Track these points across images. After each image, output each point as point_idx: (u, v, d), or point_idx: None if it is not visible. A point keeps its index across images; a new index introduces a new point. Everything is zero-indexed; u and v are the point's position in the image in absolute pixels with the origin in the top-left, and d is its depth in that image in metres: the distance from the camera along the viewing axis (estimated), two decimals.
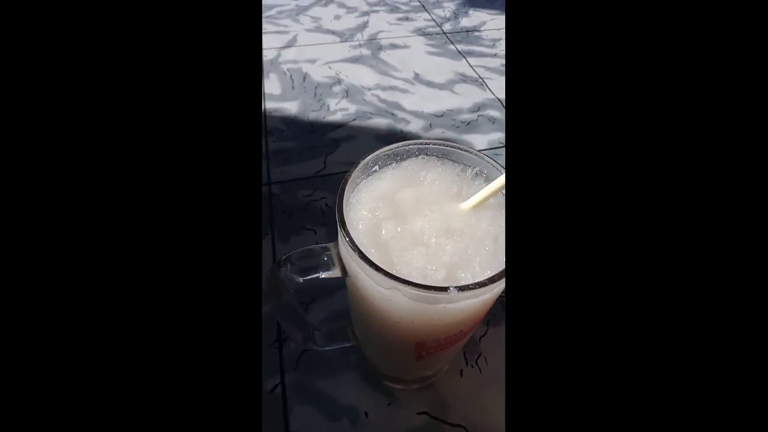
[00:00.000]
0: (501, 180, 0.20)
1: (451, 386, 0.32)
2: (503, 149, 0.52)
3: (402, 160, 0.23)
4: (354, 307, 0.24)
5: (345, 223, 0.19)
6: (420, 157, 0.23)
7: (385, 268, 0.17)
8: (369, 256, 0.17)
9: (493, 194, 0.20)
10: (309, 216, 0.43)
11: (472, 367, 0.33)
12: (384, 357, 0.27)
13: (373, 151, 0.22)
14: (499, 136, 0.54)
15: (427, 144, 0.23)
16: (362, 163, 0.22)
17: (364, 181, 0.23)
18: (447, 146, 0.23)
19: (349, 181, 0.20)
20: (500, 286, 0.19)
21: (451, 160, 0.23)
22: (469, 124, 0.56)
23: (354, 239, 0.18)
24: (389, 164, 0.23)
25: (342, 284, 0.37)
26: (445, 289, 0.16)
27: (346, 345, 0.29)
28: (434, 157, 0.24)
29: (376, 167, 0.23)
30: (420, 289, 0.16)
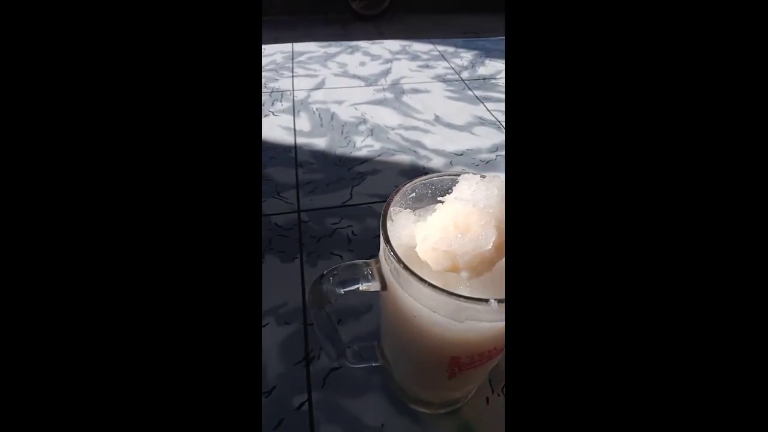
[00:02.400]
0: None
1: (477, 413, 0.32)
2: None
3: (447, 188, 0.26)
4: (387, 324, 0.26)
5: (389, 236, 0.21)
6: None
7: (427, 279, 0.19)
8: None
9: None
10: (336, 242, 0.45)
11: (498, 395, 0.33)
12: (414, 374, 0.28)
13: (413, 179, 0.25)
14: None
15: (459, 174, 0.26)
16: (402, 190, 0.24)
17: (408, 203, 0.25)
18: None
19: (393, 200, 0.23)
20: None
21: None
22: (488, 162, 0.59)
23: (397, 251, 0.20)
24: (430, 193, 0.26)
25: (368, 308, 0.39)
26: (485, 300, 0.18)
27: (374, 364, 0.30)
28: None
29: (414, 194, 0.25)
30: (461, 300, 0.18)
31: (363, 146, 0.60)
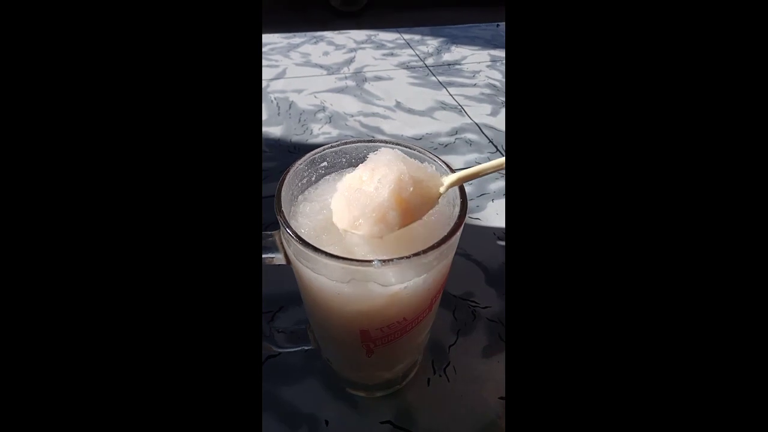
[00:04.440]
0: (493, 163, 0.20)
1: (417, 395, 0.31)
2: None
3: (351, 155, 0.25)
4: (304, 302, 0.25)
5: (281, 206, 0.20)
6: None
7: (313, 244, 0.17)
8: (302, 236, 0.18)
9: (472, 177, 0.21)
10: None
11: (440, 376, 0.32)
12: (338, 354, 0.27)
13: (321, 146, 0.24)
14: (475, 156, 0.56)
15: (372, 142, 0.25)
16: (307, 157, 0.23)
17: (314, 175, 0.24)
18: (396, 144, 0.24)
19: (291, 171, 0.22)
20: (435, 266, 0.20)
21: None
22: (446, 146, 0.58)
23: (288, 220, 0.19)
24: (337, 160, 0.25)
25: None
26: (369, 261, 0.17)
27: (306, 348, 0.29)
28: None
29: (325, 163, 0.24)
30: (344, 262, 0.17)
31: (320, 133, 0.59)
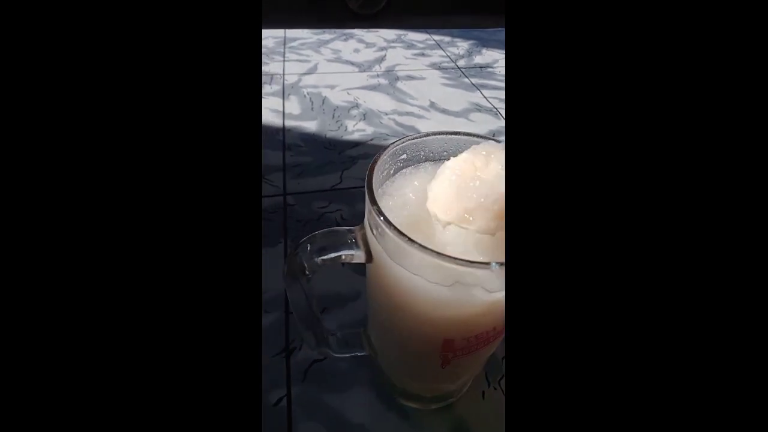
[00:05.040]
0: None
1: (472, 408, 0.29)
2: None
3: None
4: (373, 304, 0.23)
5: (374, 194, 0.18)
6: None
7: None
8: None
9: None
10: (324, 226, 0.42)
11: (495, 388, 0.30)
12: (404, 364, 0.25)
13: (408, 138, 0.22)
14: None
15: (458, 134, 0.23)
16: (390, 149, 0.21)
17: (392, 168, 0.22)
18: (485, 138, 0.22)
19: (378, 162, 0.20)
20: None
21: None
22: None
23: (384, 212, 0.17)
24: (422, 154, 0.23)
25: (356, 294, 0.36)
26: (485, 264, 0.15)
27: (360, 354, 0.27)
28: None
29: (404, 155, 0.22)
30: (456, 263, 0.15)
31: (355, 130, 0.57)
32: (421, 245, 0.16)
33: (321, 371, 0.30)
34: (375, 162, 0.20)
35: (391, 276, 0.18)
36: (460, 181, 0.17)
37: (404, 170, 0.23)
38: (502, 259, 0.15)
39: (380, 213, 0.17)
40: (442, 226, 0.18)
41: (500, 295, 0.17)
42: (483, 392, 0.30)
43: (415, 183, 0.22)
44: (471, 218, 0.17)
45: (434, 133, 0.23)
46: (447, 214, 0.17)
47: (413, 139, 0.22)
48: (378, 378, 0.29)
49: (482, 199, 0.16)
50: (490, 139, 0.22)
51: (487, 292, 0.17)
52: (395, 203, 0.21)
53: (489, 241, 0.19)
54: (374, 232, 0.18)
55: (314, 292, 0.22)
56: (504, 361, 0.32)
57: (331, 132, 0.57)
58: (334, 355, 0.26)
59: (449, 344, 0.20)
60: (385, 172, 0.22)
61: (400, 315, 0.20)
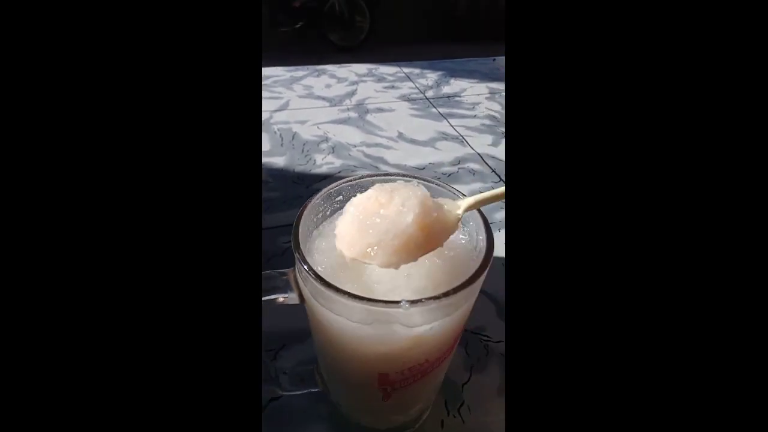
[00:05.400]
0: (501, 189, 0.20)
1: None
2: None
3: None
4: (315, 342, 0.23)
5: (299, 243, 0.19)
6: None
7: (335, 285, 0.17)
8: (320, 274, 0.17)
9: (490, 200, 0.20)
10: (287, 262, 0.43)
11: (454, 416, 0.31)
12: (350, 398, 0.25)
13: (337, 181, 0.23)
14: (479, 185, 0.56)
15: (389, 176, 0.24)
16: (324, 191, 0.22)
17: (329, 209, 0.23)
18: (413, 177, 0.24)
19: (308, 206, 0.21)
20: (462, 306, 0.19)
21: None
22: (450, 175, 0.58)
23: (305, 257, 0.18)
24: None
25: None
26: (396, 302, 0.16)
27: (314, 390, 0.27)
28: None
29: (340, 197, 0.24)
30: (369, 303, 0.16)
31: (323, 163, 0.59)
32: (336, 288, 0.16)
33: (279, 409, 0.30)
34: (305, 207, 0.21)
35: (320, 316, 0.19)
36: (362, 218, 0.18)
37: (341, 210, 0.24)
38: (436, 292, 0.16)
39: (301, 259, 0.18)
40: (349, 262, 0.18)
41: (421, 329, 0.18)
42: (442, 421, 0.30)
43: (345, 210, 0.23)
44: (373, 253, 0.17)
45: (369, 175, 0.24)
46: (351, 250, 0.18)
47: (349, 181, 0.23)
48: (334, 414, 0.29)
49: (383, 235, 0.17)
50: (416, 178, 0.23)
51: (406, 327, 0.17)
52: (328, 245, 0.22)
53: (418, 276, 0.20)
54: (300, 275, 0.19)
55: (264, 329, 0.22)
56: (464, 387, 0.33)
57: (300, 166, 0.58)
58: (284, 393, 0.26)
59: (385, 378, 0.21)
60: (321, 213, 0.23)
61: (335, 353, 0.21)
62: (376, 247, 0.17)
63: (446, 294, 0.16)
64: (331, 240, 0.22)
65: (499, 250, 0.45)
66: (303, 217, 0.20)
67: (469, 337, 0.36)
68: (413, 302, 0.16)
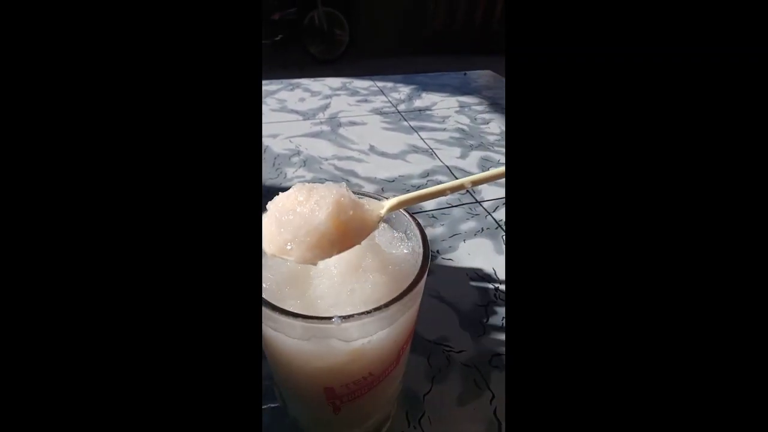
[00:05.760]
0: (435, 188, 0.20)
1: None
2: (450, 208, 0.55)
3: None
4: (267, 358, 0.24)
5: None
6: None
7: (272, 302, 0.17)
8: (264, 291, 0.18)
9: (415, 201, 0.20)
10: None
11: (415, 428, 0.31)
12: (304, 412, 0.26)
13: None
14: (447, 198, 0.58)
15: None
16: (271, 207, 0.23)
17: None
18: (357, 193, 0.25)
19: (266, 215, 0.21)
20: (399, 318, 0.19)
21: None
22: (418, 187, 0.59)
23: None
24: None
25: None
26: (328, 318, 0.17)
27: (273, 405, 0.27)
28: None
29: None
30: (303, 320, 0.17)
31: (294, 177, 0.60)
32: (273, 306, 0.17)
33: None
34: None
35: (265, 332, 0.19)
36: (279, 215, 0.18)
37: None
38: (377, 304, 0.17)
39: None
40: (270, 257, 0.19)
41: (359, 343, 0.18)
42: None
43: (267, 208, 0.24)
44: (290, 249, 0.18)
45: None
46: (270, 246, 0.18)
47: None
48: (293, 429, 0.30)
49: (297, 231, 0.17)
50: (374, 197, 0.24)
51: (343, 342, 0.18)
52: (276, 260, 0.22)
53: (361, 291, 0.21)
54: None
55: None
56: (425, 398, 0.33)
57: (270, 180, 0.59)
58: None
59: (331, 392, 0.21)
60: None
61: (282, 368, 0.21)
62: (292, 244, 0.17)
63: (378, 308, 0.17)
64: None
65: (463, 260, 0.47)
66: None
67: (431, 347, 0.37)
68: (345, 318, 0.17)
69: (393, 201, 0.20)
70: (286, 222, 0.18)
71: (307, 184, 0.20)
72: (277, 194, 0.21)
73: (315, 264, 0.18)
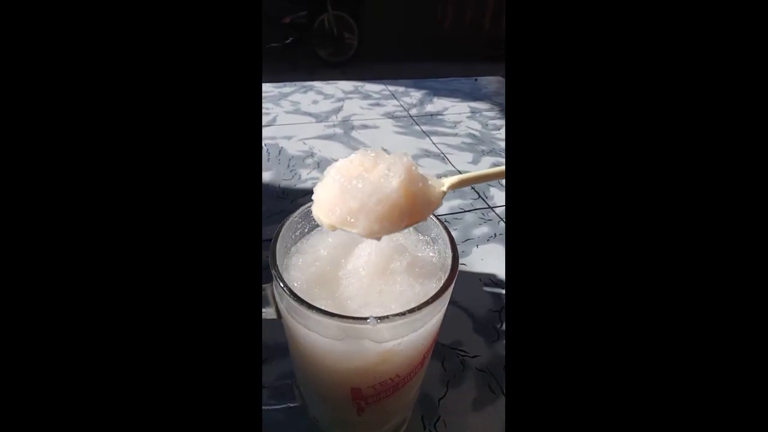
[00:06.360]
0: (494, 170, 0.19)
1: None
2: (462, 213, 0.55)
3: None
4: (292, 357, 0.24)
5: (276, 260, 0.20)
6: None
7: (308, 300, 0.17)
8: (295, 290, 0.18)
9: (479, 180, 0.19)
10: (269, 276, 0.43)
11: (431, 431, 0.31)
12: (326, 412, 0.26)
13: None
14: (459, 202, 0.58)
15: None
16: (302, 209, 0.23)
17: (306, 226, 0.24)
18: None
19: (287, 224, 0.22)
20: (429, 321, 0.20)
21: None
22: None
23: (282, 273, 0.19)
24: None
25: None
26: (364, 319, 0.17)
27: (292, 405, 0.28)
28: None
29: None
30: (338, 320, 0.17)
31: (308, 178, 0.60)
32: (309, 305, 0.17)
33: None
34: (282, 225, 0.22)
35: (296, 331, 0.20)
36: (344, 181, 0.16)
37: (320, 227, 0.25)
38: (405, 308, 0.17)
39: (278, 276, 0.19)
40: (327, 229, 0.17)
41: (390, 345, 0.19)
42: None
43: (329, 240, 0.24)
44: (353, 220, 0.16)
45: None
46: (330, 216, 0.17)
47: None
48: (312, 428, 0.30)
49: (366, 199, 0.16)
50: None
51: (375, 343, 0.18)
52: (305, 260, 0.23)
53: (389, 292, 0.21)
54: (276, 291, 0.20)
55: None
56: (440, 402, 0.33)
57: (285, 181, 0.59)
58: (263, 407, 0.26)
59: (357, 393, 0.21)
60: (299, 230, 0.24)
61: (309, 368, 0.21)
62: (358, 214, 0.16)
63: (411, 310, 0.17)
64: (308, 256, 0.23)
65: (476, 265, 0.47)
66: (281, 234, 0.21)
67: (446, 351, 0.37)
68: (380, 318, 0.17)
69: (454, 179, 0.19)
70: (352, 189, 0.16)
71: (369, 150, 0.18)
72: (294, 194, 0.21)
73: (378, 239, 0.16)
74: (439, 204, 0.18)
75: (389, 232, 0.16)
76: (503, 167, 0.19)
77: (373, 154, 0.18)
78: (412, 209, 0.16)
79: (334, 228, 0.17)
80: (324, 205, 0.17)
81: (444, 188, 0.19)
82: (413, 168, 0.17)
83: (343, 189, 0.16)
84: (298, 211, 0.23)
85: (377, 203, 0.16)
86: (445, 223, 0.23)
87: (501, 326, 0.40)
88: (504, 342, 0.38)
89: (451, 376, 0.35)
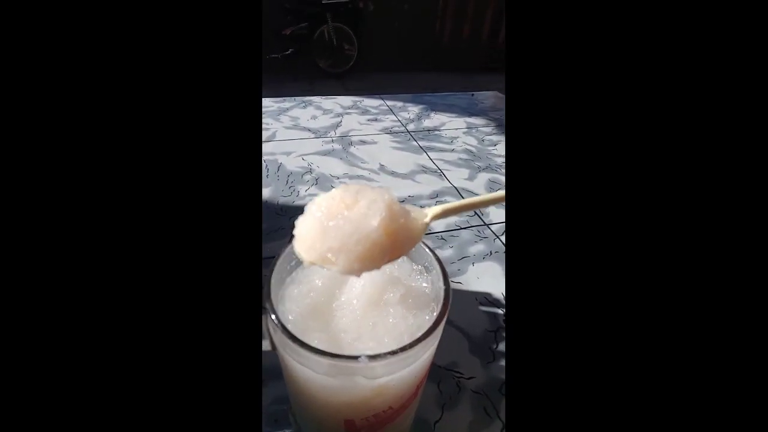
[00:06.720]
0: (474, 199, 0.19)
1: None
2: (459, 231, 0.56)
3: None
4: (287, 386, 0.24)
5: (270, 294, 0.20)
6: None
7: (299, 337, 0.18)
8: (289, 324, 0.18)
9: (459, 210, 0.19)
10: None
11: None
12: None
13: None
14: (455, 219, 0.58)
15: None
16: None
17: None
18: None
19: (282, 255, 0.22)
20: (421, 356, 0.20)
21: None
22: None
23: (275, 308, 0.19)
24: None
25: None
26: (355, 357, 0.17)
27: (287, 431, 0.28)
28: None
29: None
30: (331, 359, 0.17)
31: (306, 195, 0.61)
32: (302, 343, 0.18)
33: None
34: (278, 257, 0.22)
35: (288, 364, 0.20)
36: (324, 219, 0.16)
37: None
38: (398, 341, 0.17)
39: (271, 311, 0.19)
40: (306, 265, 0.17)
41: (383, 380, 0.19)
42: None
43: (324, 270, 0.25)
44: (334, 259, 0.16)
45: None
46: (310, 253, 0.16)
47: None
48: None
49: (347, 239, 0.16)
50: None
51: (369, 379, 0.19)
52: (300, 291, 0.23)
53: (382, 325, 0.21)
54: (270, 325, 0.20)
55: None
56: (436, 425, 0.33)
57: (283, 198, 0.60)
58: None
59: (351, 424, 0.21)
60: (294, 260, 0.24)
61: (303, 399, 0.21)
62: (338, 252, 0.16)
63: (403, 348, 0.18)
64: (303, 287, 0.23)
65: (472, 284, 0.47)
66: (276, 268, 0.21)
67: (441, 373, 0.37)
68: (372, 357, 0.17)
69: (437, 209, 0.19)
70: (333, 228, 0.16)
71: (351, 185, 0.18)
72: (292, 210, 0.22)
73: (359, 275, 0.16)
74: (420, 238, 0.18)
75: (370, 269, 0.16)
76: (482, 197, 0.20)
77: (353, 189, 0.18)
78: (393, 246, 0.16)
79: (314, 264, 0.17)
80: (305, 241, 0.17)
81: (427, 219, 0.19)
82: (394, 205, 0.17)
83: (323, 227, 0.16)
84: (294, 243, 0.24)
85: (357, 243, 0.16)
86: (437, 250, 0.23)
87: (497, 347, 0.40)
88: (500, 363, 0.39)
89: (447, 398, 0.35)
